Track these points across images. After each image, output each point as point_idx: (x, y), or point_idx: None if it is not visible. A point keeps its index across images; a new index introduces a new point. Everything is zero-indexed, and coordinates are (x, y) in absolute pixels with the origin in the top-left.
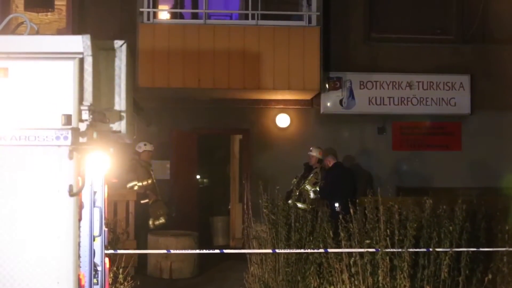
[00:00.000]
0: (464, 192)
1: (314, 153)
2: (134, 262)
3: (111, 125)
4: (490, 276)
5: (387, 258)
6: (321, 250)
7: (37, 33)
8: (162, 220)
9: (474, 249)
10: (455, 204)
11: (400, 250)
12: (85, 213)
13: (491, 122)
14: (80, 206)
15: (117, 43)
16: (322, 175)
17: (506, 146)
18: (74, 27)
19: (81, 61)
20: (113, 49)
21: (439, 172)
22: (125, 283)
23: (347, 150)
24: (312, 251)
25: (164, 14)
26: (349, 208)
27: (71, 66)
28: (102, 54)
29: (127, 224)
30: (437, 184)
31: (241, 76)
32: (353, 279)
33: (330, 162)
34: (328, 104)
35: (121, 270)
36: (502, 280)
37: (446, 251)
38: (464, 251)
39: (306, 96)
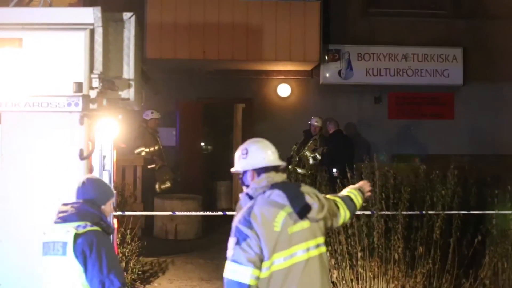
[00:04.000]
0: (456, 158)
1: (318, 123)
2: (141, 224)
3: (120, 93)
4: (479, 238)
5: (382, 220)
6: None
7: (50, 5)
8: (168, 185)
9: (465, 212)
10: (448, 169)
11: (394, 212)
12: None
13: (481, 93)
14: (90, 169)
15: (126, 15)
16: (321, 141)
17: (496, 115)
18: (85, 1)
19: (92, 32)
20: (122, 21)
21: (433, 139)
22: (132, 243)
23: (345, 118)
24: None
25: None
26: (347, 173)
27: (82, 37)
28: (112, 25)
29: (135, 188)
30: (430, 151)
31: (245, 48)
32: (349, 240)
33: (331, 129)
34: (327, 75)
35: (128, 231)
36: (491, 242)
37: (439, 214)
38: (455, 214)
39: (306, 67)
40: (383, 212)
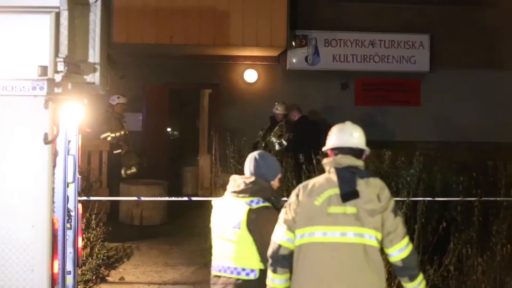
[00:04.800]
0: (422, 145)
1: (281, 110)
2: (106, 209)
3: (86, 77)
4: (444, 224)
5: None
6: (285, 199)
7: None
8: (133, 170)
9: (430, 199)
10: (413, 156)
11: None
12: (60, 160)
13: (448, 80)
14: (55, 154)
15: None
16: (287, 127)
17: (462, 102)
18: None
19: (57, 15)
20: (88, 4)
21: (399, 126)
22: (98, 229)
23: (311, 105)
24: None
25: None
26: (313, 159)
27: (47, 20)
28: (78, 8)
29: (100, 173)
30: (397, 137)
31: (212, 33)
32: None
33: (295, 116)
34: (294, 60)
35: (93, 217)
36: (456, 228)
37: (403, 200)
38: (420, 200)
39: (273, 53)
40: None
